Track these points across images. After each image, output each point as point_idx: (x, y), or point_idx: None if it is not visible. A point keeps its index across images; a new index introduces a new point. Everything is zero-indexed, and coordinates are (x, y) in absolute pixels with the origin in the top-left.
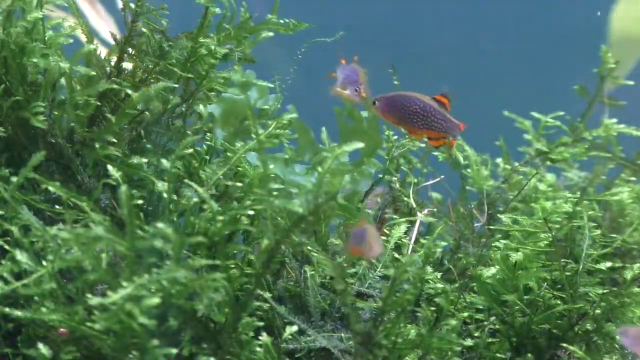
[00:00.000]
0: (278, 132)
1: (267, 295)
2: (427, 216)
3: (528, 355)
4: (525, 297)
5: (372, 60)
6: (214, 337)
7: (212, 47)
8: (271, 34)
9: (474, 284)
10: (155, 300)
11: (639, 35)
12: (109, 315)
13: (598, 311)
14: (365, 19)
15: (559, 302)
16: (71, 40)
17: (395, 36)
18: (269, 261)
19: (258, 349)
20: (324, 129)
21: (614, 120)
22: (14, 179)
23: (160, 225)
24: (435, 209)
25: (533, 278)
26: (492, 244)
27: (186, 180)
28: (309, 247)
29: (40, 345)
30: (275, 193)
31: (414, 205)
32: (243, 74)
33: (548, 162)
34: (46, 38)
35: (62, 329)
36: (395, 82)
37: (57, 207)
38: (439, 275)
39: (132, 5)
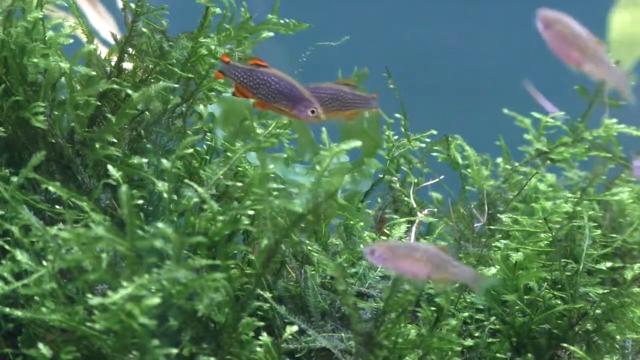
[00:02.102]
0: (278, 132)
1: (268, 295)
2: (427, 216)
3: (528, 355)
4: (526, 297)
5: (372, 60)
6: (214, 337)
7: (213, 47)
8: (271, 34)
9: None
10: (156, 300)
11: (639, 35)
12: (109, 315)
13: (598, 311)
14: (365, 18)
15: (559, 302)
16: (71, 40)
17: (396, 36)
18: (268, 261)
19: (258, 349)
20: (324, 129)
21: (614, 120)
22: (14, 179)
23: (160, 225)
24: (435, 209)
25: (533, 278)
26: (493, 244)
27: (186, 180)
28: (309, 247)
29: (41, 345)
30: (275, 193)
31: (414, 205)
32: None
33: (548, 162)
34: (46, 38)
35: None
36: (391, 86)
37: (57, 207)
38: None
39: (133, 5)
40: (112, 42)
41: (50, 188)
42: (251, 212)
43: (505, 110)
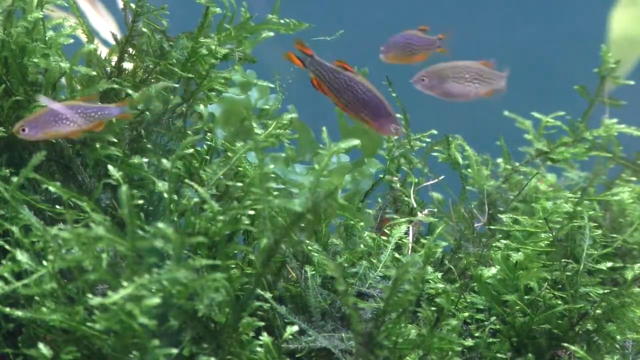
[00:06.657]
0: (278, 132)
1: (268, 295)
2: (427, 216)
3: (529, 355)
4: (526, 297)
5: (372, 59)
6: (215, 337)
7: (213, 47)
8: (272, 33)
9: (475, 284)
10: (156, 300)
11: (639, 35)
12: (109, 315)
13: (599, 311)
14: (365, 18)
15: (559, 302)
16: (72, 40)
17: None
18: (268, 260)
19: (259, 349)
20: (324, 128)
21: (614, 120)
22: (15, 179)
23: (160, 225)
24: (435, 209)
25: (534, 278)
26: (493, 244)
27: (187, 180)
28: (309, 247)
29: (41, 345)
30: (275, 192)
31: (415, 205)
32: (243, 74)
33: (549, 162)
34: (47, 38)
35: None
36: (392, 92)
37: (57, 207)
38: (439, 275)
39: (133, 5)
40: (112, 42)
41: (51, 188)
42: (251, 212)
43: (506, 113)
